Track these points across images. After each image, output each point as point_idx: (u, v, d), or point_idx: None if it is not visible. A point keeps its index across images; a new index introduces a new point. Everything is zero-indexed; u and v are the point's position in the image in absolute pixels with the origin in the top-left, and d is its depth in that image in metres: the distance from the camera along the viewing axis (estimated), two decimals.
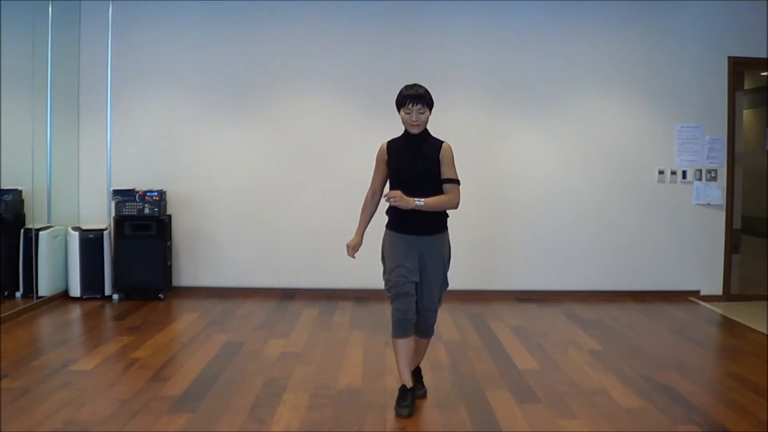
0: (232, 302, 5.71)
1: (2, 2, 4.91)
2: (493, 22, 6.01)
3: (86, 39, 5.98)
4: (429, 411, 3.34)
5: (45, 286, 5.48)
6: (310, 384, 3.69)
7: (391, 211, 3.33)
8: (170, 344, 4.50)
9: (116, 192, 5.77)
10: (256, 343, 4.48)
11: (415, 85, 3.28)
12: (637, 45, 6.05)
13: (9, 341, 4.41)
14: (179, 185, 6.01)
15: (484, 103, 6.05)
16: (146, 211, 5.70)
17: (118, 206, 5.71)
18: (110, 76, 5.95)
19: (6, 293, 5.28)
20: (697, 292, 6.10)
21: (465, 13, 5.99)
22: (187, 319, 5.18)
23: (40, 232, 5.45)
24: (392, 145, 3.37)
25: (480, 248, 6.03)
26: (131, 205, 5.69)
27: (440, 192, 3.26)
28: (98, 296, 5.73)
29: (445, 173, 3.26)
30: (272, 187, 6.05)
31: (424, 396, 3.50)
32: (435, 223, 3.32)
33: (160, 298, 5.77)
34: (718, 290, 6.09)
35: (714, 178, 6.08)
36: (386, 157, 3.35)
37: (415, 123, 3.25)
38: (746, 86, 6.37)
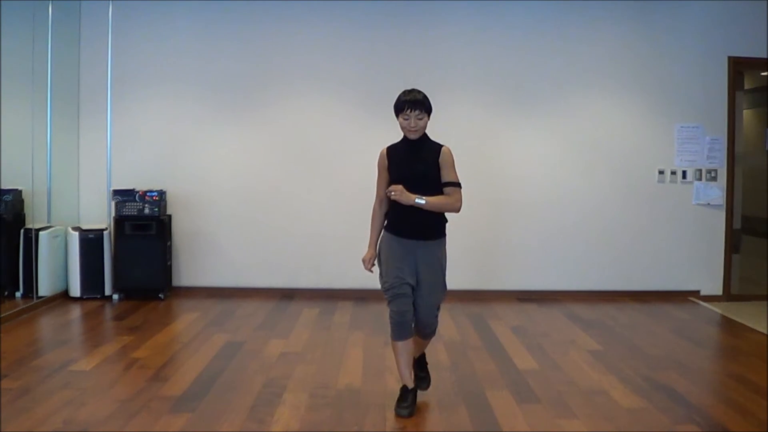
0: (232, 302, 5.71)
1: (2, 2, 4.91)
2: (493, 22, 6.01)
3: (86, 39, 5.98)
4: (429, 411, 3.34)
5: (45, 286, 5.48)
6: (310, 384, 3.69)
7: (392, 215, 3.33)
8: (170, 344, 4.50)
9: (116, 192, 5.77)
10: (256, 343, 4.48)
11: (413, 90, 3.26)
12: (637, 45, 6.05)
13: (9, 341, 4.41)
14: (179, 185, 6.01)
15: (484, 103, 6.05)
16: (146, 211, 5.70)
17: (118, 206, 5.71)
18: (110, 75, 5.95)
19: (6, 293, 5.28)
20: (697, 292, 6.10)
21: (466, 13, 5.99)
22: (187, 319, 5.18)
23: (40, 232, 5.45)
24: (392, 150, 3.36)
25: (480, 248, 6.03)
26: (131, 205, 5.69)
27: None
28: (98, 296, 5.73)
29: (446, 176, 3.24)
30: (272, 187, 6.05)
31: (427, 383, 3.52)
32: (434, 229, 3.30)
33: (160, 298, 5.77)
34: (718, 290, 6.09)
35: (714, 178, 6.08)
36: (386, 163, 3.34)
37: (413, 129, 3.23)
38: (746, 86, 6.36)
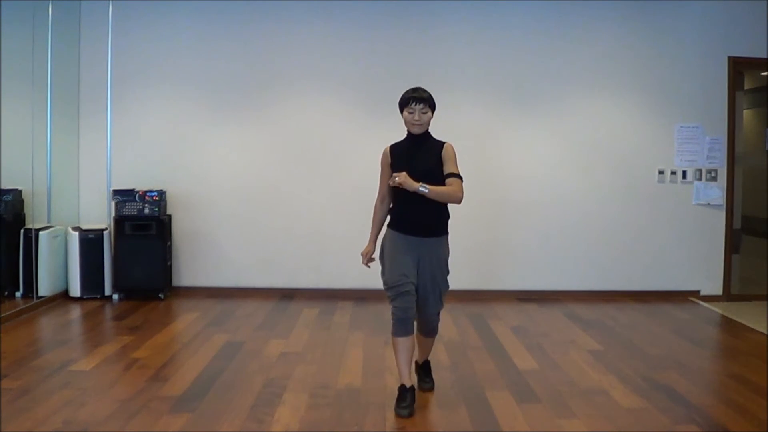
0: (232, 302, 5.71)
1: (2, 2, 4.91)
2: (493, 22, 6.01)
3: (86, 39, 5.98)
4: (429, 411, 3.34)
5: (45, 286, 5.48)
6: (310, 384, 3.69)
7: (395, 211, 3.34)
8: (170, 344, 4.50)
9: (116, 192, 5.77)
10: (256, 343, 4.48)
11: (418, 88, 3.32)
12: (637, 45, 6.05)
13: (9, 341, 4.41)
14: (179, 185, 6.00)
15: (484, 103, 6.05)
16: (146, 211, 5.70)
17: (118, 206, 5.71)
18: (110, 75, 5.95)
19: (6, 293, 5.28)
20: (697, 292, 6.10)
21: (466, 13, 5.99)
22: (187, 319, 5.18)
23: (40, 232, 5.45)
24: (395, 148, 3.38)
25: (480, 248, 6.03)
26: (131, 205, 5.69)
27: None
28: (98, 296, 5.73)
29: (448, 169, 3.27)
30: (272, 187, 6.05)
31: (431, 389, 3.55)
32: (438, 225, 3.32)
33: (160, 298, 5.77)
34: (718, 290, 6.09)
35: (714, 178, 6.08)
36: (390, 160, 3.36)
37: (417, 122, 3.26)
38: (746, 86, 6.36)
